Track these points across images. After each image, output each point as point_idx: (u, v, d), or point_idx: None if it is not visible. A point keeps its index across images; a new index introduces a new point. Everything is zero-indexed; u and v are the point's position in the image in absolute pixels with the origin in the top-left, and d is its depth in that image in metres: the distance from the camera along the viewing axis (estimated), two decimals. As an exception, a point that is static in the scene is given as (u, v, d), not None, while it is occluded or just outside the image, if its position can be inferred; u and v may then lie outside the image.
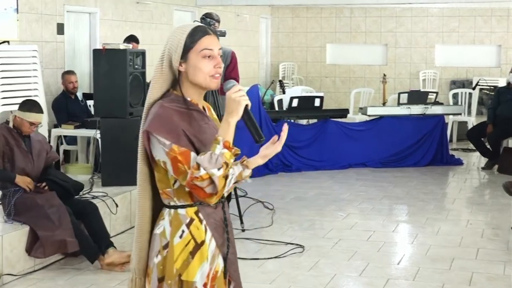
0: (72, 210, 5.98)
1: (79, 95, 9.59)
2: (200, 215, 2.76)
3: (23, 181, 5.94)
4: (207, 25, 6.95)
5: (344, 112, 11.25)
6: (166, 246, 2.74)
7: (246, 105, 2.69)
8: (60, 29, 10.11)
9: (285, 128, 2.80)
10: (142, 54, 7.72)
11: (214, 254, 2.79)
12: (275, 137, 2.84)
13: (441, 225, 7.45)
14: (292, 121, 10.95)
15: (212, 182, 2.59)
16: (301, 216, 7.78)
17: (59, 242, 5.73)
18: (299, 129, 10.60)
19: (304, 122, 11.54)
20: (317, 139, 10.52)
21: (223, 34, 6.94)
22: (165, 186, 2.76)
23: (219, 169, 2.59)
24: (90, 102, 9.35)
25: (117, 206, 6.85)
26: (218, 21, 7.22)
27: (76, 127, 8.62)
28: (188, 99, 2.77)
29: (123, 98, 7.36)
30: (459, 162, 10.99)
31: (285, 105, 11.36)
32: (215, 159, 2.59)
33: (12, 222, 5.85)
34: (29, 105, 6.01)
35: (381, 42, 18.02)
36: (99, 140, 7.67)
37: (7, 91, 7.31)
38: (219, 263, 2.81)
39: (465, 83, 16.82)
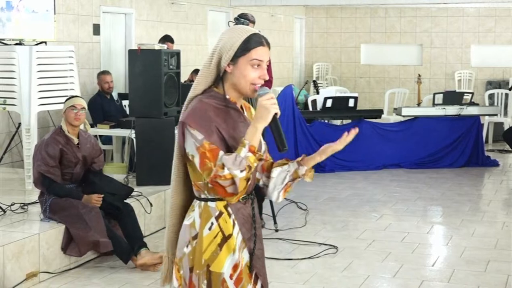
0: (108, 211, 6.05)
1: (115, 95, 9.68)
2: (229, 209, 2.85)
3: (90, 200, 5.98)
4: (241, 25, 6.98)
5: (378, 113, 11.20)
6: (195, 237, 2.85)
7: (275, 114, 2.75)
8: (96, 29, 10.21)
9: (354, 131, 2.92)
10: (177, 54, 7.76)
11: (240, 247, 2.87)
12: (345, 134, 2.91)
13: (476, 227, 7.38)
14: (326, 121, 10.93)
15: (233, 182, 2.70)
16: (334, 217, 7.76)
17: (93, 242, 5.80)
18: (333, 130, 10.57)
19: (338, 122, 11.51)
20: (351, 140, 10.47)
21: (257, 34, 6.93)
22: (197, 179, 2.85)
23: (241, 171, 2.69)
24: (125, 102, 9.43)
25: (151, 205, 6.90)
26: (253, 22, 7.21)
27: (111, 127, 8.70)
28: (227, 97, 2.86)
29: (158, 98, 7.41)
30: (495, 164, 10.88)
31: (319, 106, 11.34)
32: (239, 161, 2.69)
33: (48, 220, 5.93)
34: (67, 98, 6.20)
35: (416, 42, 17.89)
36: (134, 139, 7.73)
37: (44, 91, 7.39)
38: (244, 256, 2.90)
39: (501, 84, 16.62)
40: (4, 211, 6.24)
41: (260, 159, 2.76)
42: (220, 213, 2.83)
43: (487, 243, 6.78)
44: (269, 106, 2.73)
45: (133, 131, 7.74)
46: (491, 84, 16.91)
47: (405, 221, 7.64)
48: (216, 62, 2.83)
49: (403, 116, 11.05)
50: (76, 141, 6.06)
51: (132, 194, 6.82)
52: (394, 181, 9.78)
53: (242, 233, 2.87)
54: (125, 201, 6.42)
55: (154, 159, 7.43)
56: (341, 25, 18.45)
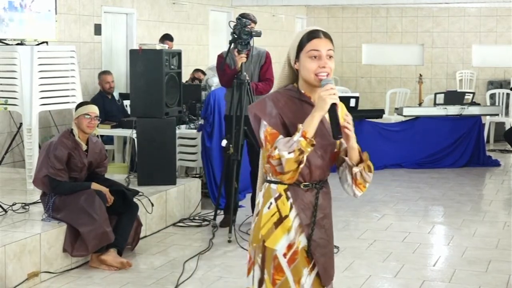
0: (117, 202, 6.05)
1: (116, 95, 9.69)
2: (288, 193, 3.10)
3: (102, 189, 5.98)
4: (243, 25, 6.97)
5: (379, 113, 11.20)
6: (257, 214, 3.17)
7: (334, 104, 2.99)
8: (98, 29, 10.22)
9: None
10: (178, 54, 7.77)
11: (297, 230, 3.10)
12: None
13: (477, 226, 7.38)
14: (327, 121, 10.92)
15: (280, 163, 2.94)
16: (336, 217, 7.70)
17: (101, 234, 5.78)
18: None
19: (339, 122, 11.48)
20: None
21: (258, 34, 6.96)
22: (265, 162, 3.11)
23: (289, 153, 2.92)
24: (126, 102, 9.44)
25: (152, 205, 6.89)
26: (255, 22, 7.23)
27: (112, 127, 8.71)
28: (302, 91, 3.13)
29: (159, 98, 7.41)
30: (496, 163, 10.88)
31: (320, 106, 11.33)
32: (290, 143, 2.94)
33: (49, 220, 5.92)
34: (81, 103, 6.21)
35: (417, 42, 17.89)
36: (135, 139, 7.74)
37: (45, 91, 7.40)
38: (301, 240, 3.11)
39: (503, 84, 16.61)
40: (6, 211, 6.24)
41: (312, 145, 2.94)
42: (279, 195, 3.09)
43: (489, 243, 6.78)
44: (326, 97, 2.97)
45: (134, 131, 7.74)
46: (492, 84, 16.91)
47: (406, 221, 7.65)
48: (288, 64, 3.15)
49: (405, 116, 11.05)
50: (84, 147, 6.02)
51: (133, 194, 6.85)
52: (395, 181, 9.78)
53: (301, 218, 3.09)
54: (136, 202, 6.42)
55: (155, 159, 7.43)
56: (342, 25, 18.45)
